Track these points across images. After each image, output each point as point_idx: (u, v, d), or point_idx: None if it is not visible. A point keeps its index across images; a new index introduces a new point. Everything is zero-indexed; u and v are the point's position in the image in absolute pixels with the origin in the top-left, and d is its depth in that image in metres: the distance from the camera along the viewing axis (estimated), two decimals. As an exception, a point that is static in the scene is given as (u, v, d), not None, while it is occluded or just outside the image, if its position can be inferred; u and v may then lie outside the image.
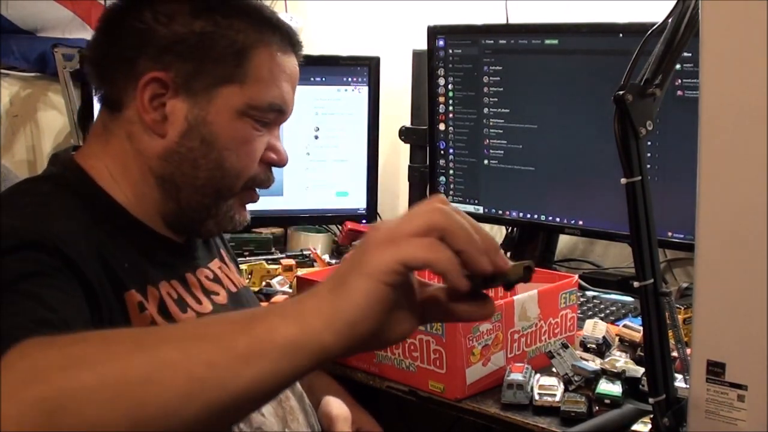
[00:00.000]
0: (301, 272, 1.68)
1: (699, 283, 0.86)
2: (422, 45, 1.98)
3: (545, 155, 1.83)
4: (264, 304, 1.57)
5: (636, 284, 0.92)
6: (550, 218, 1.85)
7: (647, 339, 0.93)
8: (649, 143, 1.47)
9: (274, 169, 1.13)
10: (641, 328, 1.01)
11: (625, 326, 1.34)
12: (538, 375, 1.28)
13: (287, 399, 1.13)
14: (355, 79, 2.08)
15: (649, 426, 1.05)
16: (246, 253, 1.97)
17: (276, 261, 1.90)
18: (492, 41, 1.86)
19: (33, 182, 1.07)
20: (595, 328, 1.36)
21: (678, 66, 0.97)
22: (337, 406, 1.26)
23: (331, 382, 1.37)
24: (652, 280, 0.92)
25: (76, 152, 1.09)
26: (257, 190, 1.13)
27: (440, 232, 0.66)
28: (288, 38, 1.09)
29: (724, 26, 0.81)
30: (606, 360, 1.27)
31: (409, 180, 2.18)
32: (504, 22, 2.00)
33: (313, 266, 1.91)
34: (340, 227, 2.16)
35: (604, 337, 1.34)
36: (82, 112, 2.15)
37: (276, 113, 1.09)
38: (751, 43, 0.79)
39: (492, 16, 2.04)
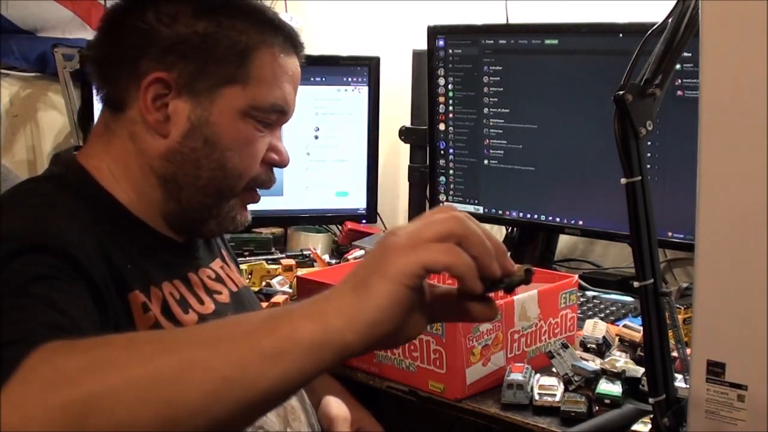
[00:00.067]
0: (301, 272, 1.68)
1: (699, 283, 0.86)
2: (422, 45, 1.98)
3: (545, 155, 1.83)
4: (264, 304, 1.57)
5: (636, 284, 0.92)
6: (550, 218, 1.85)
7: (647, 339, 0.93)
8: (649, 143, 1.48)
9: (274, 169, 1.14)
10: (641, 328, 1.01)
11: (625, 326, 1.34)
12: (538, 375, 1.28)
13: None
14: (355, 79, 2.08)
15: (649, 426, 1.05)
16: (246, 253, 1.97)
17: (276, 261, 1.90)
18: (492, 41, 1.86)
19: (35, 183, 1.07)
20: (595, 328, 1.36)
21: (678, 66, 0.97)
22: (336, 407, 1.26)
23: (333, 382, 1.37)
24: (652, 280, 0.92)
25: (77, 152, 1.09)
26: (258, 190, 1.13)
27: (458, 238, 0.69)
28: (290, 39, 1.10)
29: (724, 26, 0.81)
30: (606, 360, 1.27)
31: (409, 180, 2.18)
32: (504, 22, 2.00)
33: (313, 266, 1.90)
34: (340, 227, 2.17)
35: (604, 337, 1.34)
36: (82, 112, 2.15)
37: (278, 114, 1.09)
38: (751, 43, 0.79)
39: (492, 16, 2.04)
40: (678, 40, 0.91)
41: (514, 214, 1.91)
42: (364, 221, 2.13)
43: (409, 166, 2.17)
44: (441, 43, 1.94)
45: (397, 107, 2.19)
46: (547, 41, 1.78)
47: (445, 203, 1.99)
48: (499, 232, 2.04)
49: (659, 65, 0.91)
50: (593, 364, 1.25)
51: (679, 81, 1.55)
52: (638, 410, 1.14)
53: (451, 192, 2.00)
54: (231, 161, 1.06)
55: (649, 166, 0.93)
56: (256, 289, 1.70)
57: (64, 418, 0.63)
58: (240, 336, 0.68)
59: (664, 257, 1.83)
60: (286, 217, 2.12)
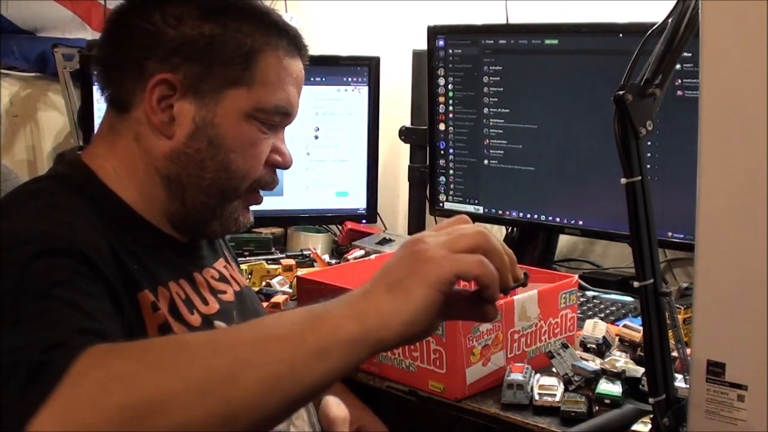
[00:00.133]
0: (301, 272, 1.68)
1: (699, 283, 0.86)
2: (422, 45, 1.98)
3: (545, 155, 1.83)
4: (264, 304, 1.57)
5: (636, 284, 0.92)
6: (550, 218, 1.85)
7: (647, 339, 0.93)
8: (649, 143, 1.47)
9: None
10: (641, 328, 1.01)
11: (625, 326, 1.34)
12: (538, 375, 1.28)
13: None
14: (355, 79, 2.08)
15: (649, 426, 1.05)
16: (246, 253, 1.97)
17: (276, 261, 1.90)
18: (492, 41, 1.86)
19: (41, 182, 1.06)
20: (595, 328, 1.36)
21: (678, 66, 0.97)
22: (335, 407, 1.26)
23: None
24: (652, 280, 0.92)
25: (81, 152, 1.09)
26: (261, 192, 1.14)
27: (484, 251, 0.79)
28: (295, 42, 1.10)
29: (724, 26, 0.81)
30: (606, 360, 1.27)
31: (409, 180, 2.18)
32: (504, 22, 2.00)
33: (313, 266, 1.90)
34: (340, 227, 2.17)
35: (604, 337, 1.34)
36: (82, 112, 2.15)
37: (282, 116, 1.10)
38: (751, 43, 0.79)
39: (492, 16, 2.04)
40: (678, 40, 0.91)
41: (514, 214, 1.91)
42: (364, 221, 2.13)
43: (409, 166, 2.17)
44: (441, 43, 1.94)
45: (397, 107, 2.19)
46: (547, 41, 1.78)
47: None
48: (499, 232, 2.04)
49: (659, 65, 0.91)
50: (593, 364, 1.25)
51: (679, 81, 1.55)
52: (638, 410, 1.14)
53: (451, 192, 2.00)
54: (235, 162, 1.07)
55: (649, 166, 0.93)
56: (256, 289, 1.70)
57: (122, 420, 0.66)
58: (286, 336, 0.74)
59: (664, 257, 1.83)
60: (286, 217, 2.12)
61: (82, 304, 0.82)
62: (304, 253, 1.99)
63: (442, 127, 1.98)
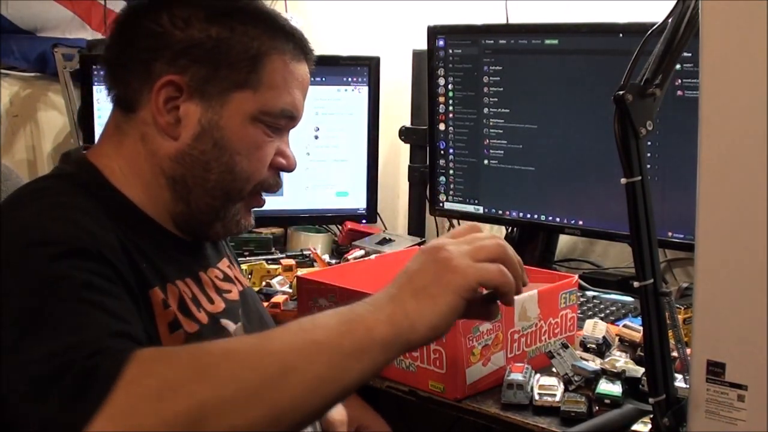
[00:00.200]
0: (301, 272, 1.68)
1: (699, 283, 0.86)
2: (422, 45, 1.98)
3: (545, 155, 1.83)
4: (264, 304, 1.57)
5: (636, 284, 0.92)
6: (550, 218, 1.85)
7: (647, 339, 0.93)
8: (649, 143, 1.47)
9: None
10: (641, 328, 1.01)
11: (625, 326, 1.34)
12: (538, 375, 1.28)
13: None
14: (355, 79, 2.08)
15: (649, 426, 1.05)
16: (246, 253, 1.98)
17: (276, 261, 1.90)
18: (492, 41, 1.86)
19: (47, 180, 1.06)
20: (595, 328, 1.36)
21: (678, 66, 0.97)
22: (334, 409, 1.26)
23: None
24: (652, 280, 0.92)
25: (87, 151, 1.10)
26: (263, 194, 1.14)
27: (503, 262, 0.87)
28: (301, 46, 1.11)
29: (724, 26, 0.81)
30: (606, 360, 1.27)
31: (409, 180, 2.18)
32: (504, 22, 2.00)
33: (313, 266, 1.90)
34: (340, 227, 2.17)
35: (604, 337, 1.34)
36: (82, 112, 2.15)
37: (287, 119, 1.11)
38: (751, 43, 0.79)
39: (492, 16, 2.04)
40: (678, 40, 0.91)
41: (514, 214, 1.91)
42: (364, 221, 2.13)
43: (409, 166, 2.17)
44: (441, 43, 1.94)
45: (397, 107, 2.19)
46: (547, 41, 1.78)
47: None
48: (499, 232, 2.04)
49: (659, 65, 0.91)
50: (593, 364, 1.25)
51: (679, 81, 1.55)
52: (638, 410, 1.14)
53: (451, 192, 2.00)
54: (239, 164, 1.07)
55: (649, 166, 0.93)
56: (257, 289, 1.70)
57: (178, 426, 0.70)
58: (325, 340, 0.80)
59: (664, 257, 1.83)
60: (286, 217, 2.12)
61: (110, 306, 0.84)
62: (304, 253, 1.99)
63: (442, 127, 1.98)
